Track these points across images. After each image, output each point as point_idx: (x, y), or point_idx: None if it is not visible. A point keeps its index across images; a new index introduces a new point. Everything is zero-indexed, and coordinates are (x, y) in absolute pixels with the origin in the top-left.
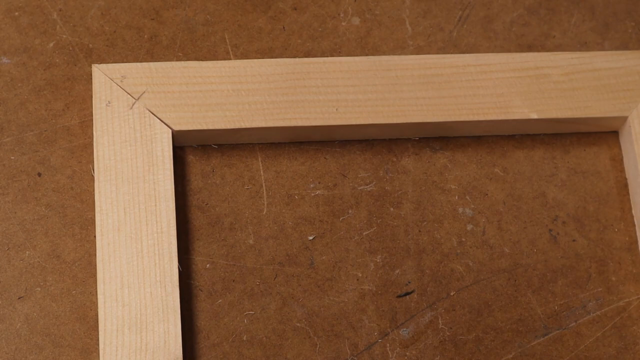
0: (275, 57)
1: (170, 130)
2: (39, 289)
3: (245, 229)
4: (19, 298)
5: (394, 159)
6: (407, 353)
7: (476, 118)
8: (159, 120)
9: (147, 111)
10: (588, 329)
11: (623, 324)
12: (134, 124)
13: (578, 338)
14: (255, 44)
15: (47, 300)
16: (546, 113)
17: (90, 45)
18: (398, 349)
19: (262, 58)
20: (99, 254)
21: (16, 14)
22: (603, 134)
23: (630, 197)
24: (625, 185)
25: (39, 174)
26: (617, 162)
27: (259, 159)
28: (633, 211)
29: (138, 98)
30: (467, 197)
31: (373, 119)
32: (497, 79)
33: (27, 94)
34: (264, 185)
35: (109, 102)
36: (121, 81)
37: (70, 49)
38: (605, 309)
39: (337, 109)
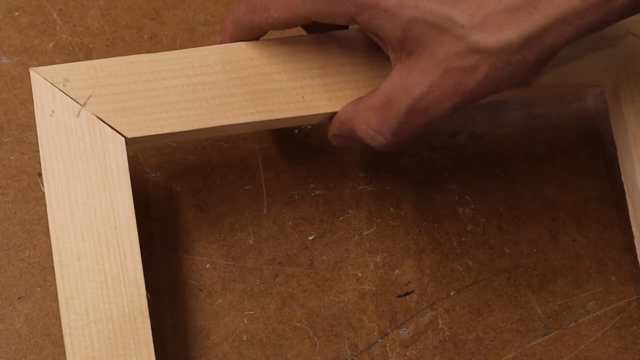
0: None
1: (123, 139)
2: (39, 289)
3: (245, 229)
4: (19, 298)
5: (394, 159)
6: (407, 353)
7: None
8: (109, 128)
9: (96, 118)
10: (588, 329)
11: (623, 324)
12: (82, 135)
13: (578, 338)
14: None
15: (47, 300)
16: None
17: (90, 45)
18: (398, 349)
19: None
20: (60, 289)
21: (16, 14)
22: (603, 135)
23: (620, 163)
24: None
25: (39, 174)
26: (617, 162)
27: (259, 159)
28: (623, 177)
29: (84, 104)
30: (467, 197)
31: (342, 105)
32: None
33: (27, 94)
34: (264, 185)
35: (52, 111)
36: (64, 85)
37: (70, 49)
38: (605, 309)
39: (302, 97)
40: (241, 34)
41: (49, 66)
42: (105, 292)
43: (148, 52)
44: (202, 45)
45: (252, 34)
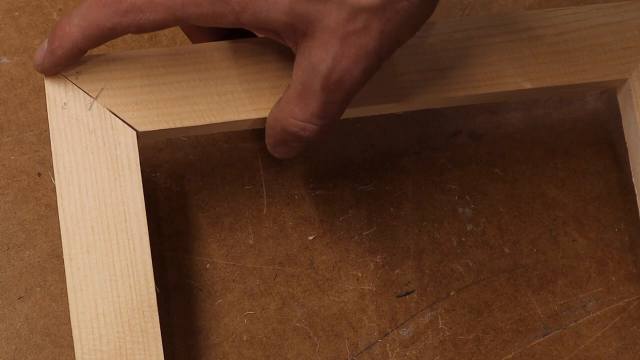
0: None
1: (134, 132)
2: (39, 289)
3: (245, 229)
4: (19, 298)
5: (394, 159)
6: (407, 353)
7: (464, 93)
8: (121, 121)
9: (108, 111)
10: (588, 329)
11: (623, 324)
12: (94, 128)
13: (578, 338)
14: None
15: (47, 300)
16: (541, 81)
17: None
18: (398, 349)
19: None
20: (69, 282)
21: (16, 14)
22: (603, 135)
23: (631, 165)
24: (626, 186)
25: (39, 174)
26: (617, 162)
27: (259, 159)
28: (634, 179)
29: (96, 97)
30: (467, 197)
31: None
32: (486, 45)
33: (27, 94)
34: (264, 185)
35: (64, 103)
36: (76, 78)
37: None
38: (605, 309)
39: None
40: (97, 38)
41: None
42: (114, 285)
43: None
44: None
45: (110, 37)
